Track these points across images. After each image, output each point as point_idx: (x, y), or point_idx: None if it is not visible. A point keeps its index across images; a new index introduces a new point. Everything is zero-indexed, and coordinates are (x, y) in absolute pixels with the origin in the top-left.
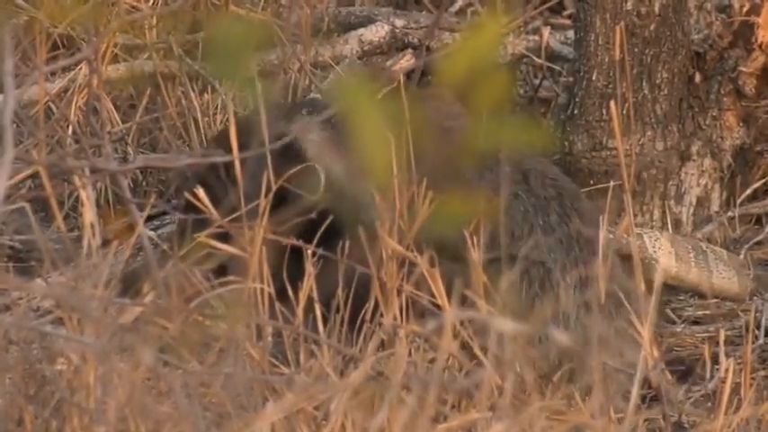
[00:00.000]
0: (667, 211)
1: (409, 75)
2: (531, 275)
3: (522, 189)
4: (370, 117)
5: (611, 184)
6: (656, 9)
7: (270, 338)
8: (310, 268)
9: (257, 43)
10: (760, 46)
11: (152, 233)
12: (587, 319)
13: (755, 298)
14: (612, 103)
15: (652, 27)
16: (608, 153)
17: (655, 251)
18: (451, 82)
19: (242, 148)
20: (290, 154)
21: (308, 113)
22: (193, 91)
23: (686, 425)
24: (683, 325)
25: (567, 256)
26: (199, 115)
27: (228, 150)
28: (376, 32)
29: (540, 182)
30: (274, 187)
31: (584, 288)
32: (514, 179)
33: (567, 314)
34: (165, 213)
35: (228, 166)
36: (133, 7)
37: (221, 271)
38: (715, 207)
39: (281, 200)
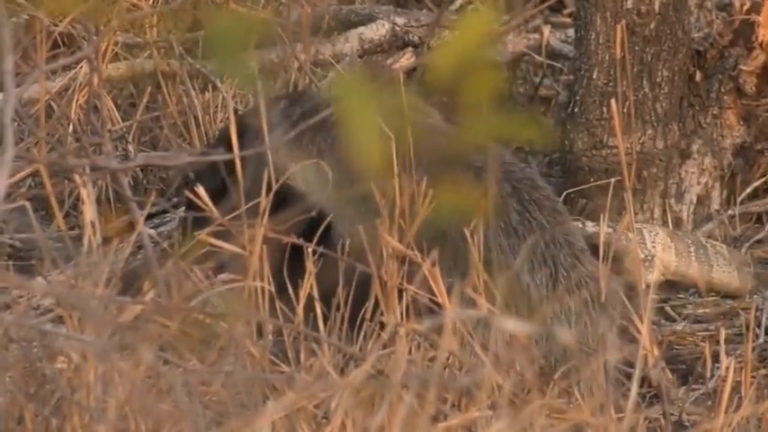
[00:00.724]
0: (668, 209)
1: (410, 73)
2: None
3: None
4: (367, 114)
5: (612, 181)
6: (657, 7)
7: (270, 337)
8: (310, 266)
9: (257, 40)
10: (760, 44)
11: (152, 231)
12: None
13: (756, 296)
14: (613, 102)
15: (652, 25)
16: (608, 151)
17: (654, 246)
18: (442, 78)
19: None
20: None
21: (286, 106)
22: (194, 89)
23: (687, 423)
24: (683, 323)
25: (534, 254)
26: (200, 113)
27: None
28: (377, 31)
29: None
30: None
31: (555, 285)
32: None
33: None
34: (165, 212)
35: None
36: (134, 5)
37: (221, 269)
38: (715, 205)
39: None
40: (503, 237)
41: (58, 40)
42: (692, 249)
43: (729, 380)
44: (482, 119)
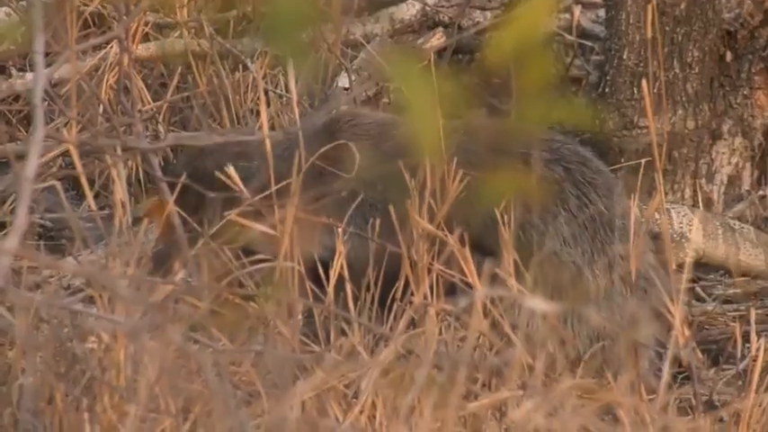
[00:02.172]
0: (698, 189)
1: (440, 53)
2: (562, 275)
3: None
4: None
5: (643, 162)
6: None
7: (300, 317)
8: (341, 247)
9: (311, 17)
10: None
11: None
12: (617, 300)
13: None
14: (644, 82)
15: (683, 6)
16: (639, 131)
17: (683, 227)
18: (498, 59)
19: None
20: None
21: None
22: (224, 69)
23: (717, 403)
24: (713, 303)
25: (593, 242)
26: (230, 94)
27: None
28: (407, 11)
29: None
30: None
31: (612, 271)
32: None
33: (598, 297)
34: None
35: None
36: None
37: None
38: (746, 186)
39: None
40: (564, 225)
41: (89, 19)
42: (719, 231)
43: (760, 360)
44: (538, 101)
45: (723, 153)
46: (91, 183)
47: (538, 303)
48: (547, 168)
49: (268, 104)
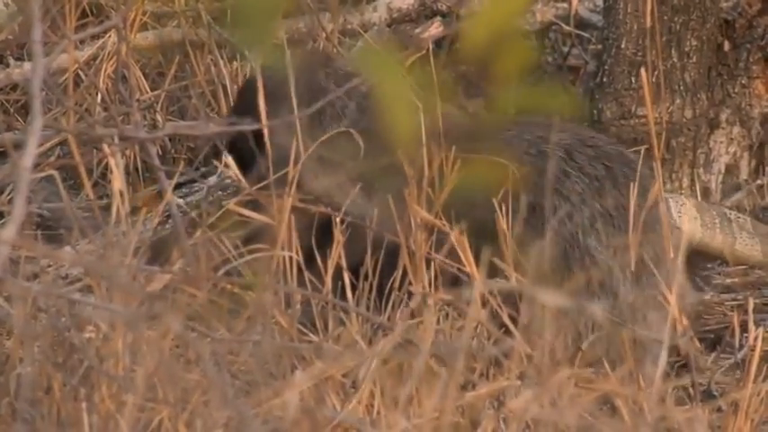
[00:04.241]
0: (696, 178)
1: (438, 42)
2: (571, 255)
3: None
4: (397, 85)
5: (641, 150)
6: None
7: (298, 306)
8: (339, 236)
9: (284, 11)
10: None
11: (180, 201)
12: (620, 288)
13: None
14: (642, 71)
15: None
16: (637, 121)
17: (680, 216)
18: (474, 48)
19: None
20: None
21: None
22: (222, 58)
23: (715, 393)
24: (711, 293)
25: (606, 228)
26: (227, 83)
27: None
28: (404, 0)
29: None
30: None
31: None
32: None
33: (604, 284)
34: (193, 181)
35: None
36: None
37: (250, 239)
38: (744, 175)
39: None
40: (600, 223)
41: (87, 9)
42: (717, 221)
43: (758, 349)
44: (514, 90)
45: (721, 142)
46: (89, 172)
47: (549, 297)
48: (590, 166)
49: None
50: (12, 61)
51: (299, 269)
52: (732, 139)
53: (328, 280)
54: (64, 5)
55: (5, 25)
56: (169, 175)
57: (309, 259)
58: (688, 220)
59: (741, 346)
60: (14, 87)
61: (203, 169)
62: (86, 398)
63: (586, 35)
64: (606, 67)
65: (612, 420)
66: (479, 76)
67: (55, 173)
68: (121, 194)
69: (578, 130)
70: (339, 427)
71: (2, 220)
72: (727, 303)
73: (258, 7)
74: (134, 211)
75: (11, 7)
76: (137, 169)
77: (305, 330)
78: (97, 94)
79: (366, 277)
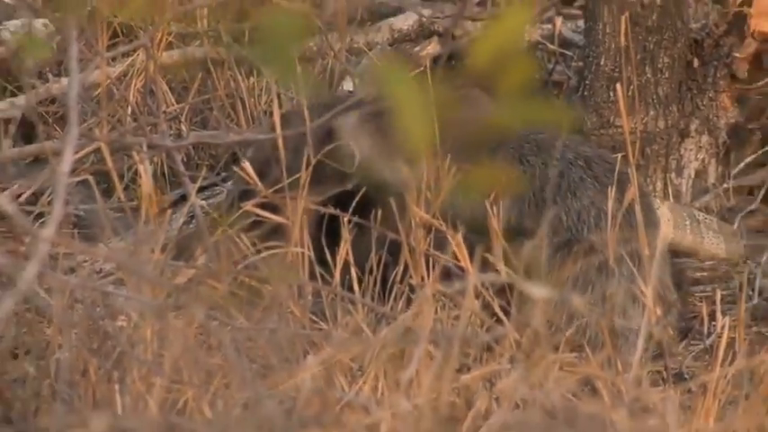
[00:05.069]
0: (668, 183)
1: (435, 60)
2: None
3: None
4: (406, 98)
5: (618, 157)
6: (658, 0)
7: (310, 298)
8: (346, 234)
9: (300, 32)
10: (752, 34)
11: (203, 203)
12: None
13: (749, 262)
14: (619, 86)
15: (654, 17)
16: (615, 130)
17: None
18: (479, 66)
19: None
20: (329, 139)
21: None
22: (240, 74)
23: (686, 376)
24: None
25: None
26: (245, 96)
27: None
28: (405, 21)
29: (568, 155)
30: (313, 161)
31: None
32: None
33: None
34: (215, 185)
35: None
36: None
37: (267, 237)
38: (711, 179)
39: (321, 174)
40: (603, 221)
41: (118, 29)
42: (687, 222)
43: (725, 337)
44: (518, 103)
45: (691, 150)
46: (120, 177)
47: (536, 290)
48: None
49: (280, 106)
50: (51, 77)
51: (311, 264)
52: (701, 147)
53: (337, 274)
54: (97, 26)
55: (45, 44)
56: (193, 180)
57: (320, 256)
58: (662, 220)
59: (709, 334)
60: (53, 100)
61: (224, 174)
62: (119, 380)
63: (569, 53)
64: (587, 83)
65: (593, 400)
66: (485, 91)
67: (90, 177)
68: (150, 197)
69: (586, 144)
70: (347, 406)
71: (42, 220)
72: (696, 295)
73: (275, 30)
74: (161, 212)
75: (49, 27)
76: (163, 174)
77: (316, 319)
78: (127, 106)
79: (371, 272)
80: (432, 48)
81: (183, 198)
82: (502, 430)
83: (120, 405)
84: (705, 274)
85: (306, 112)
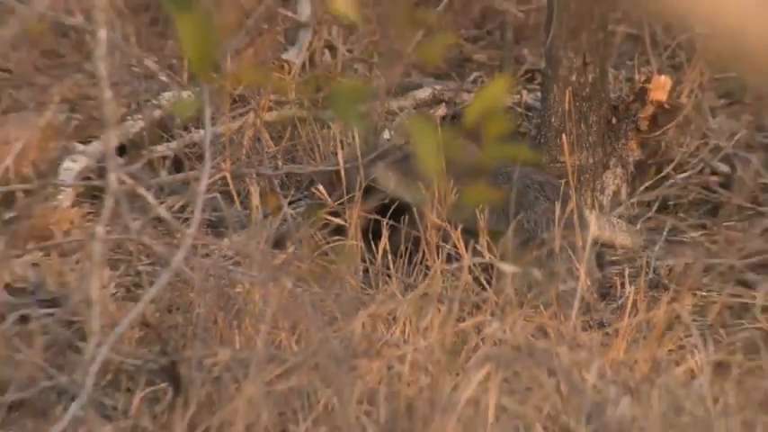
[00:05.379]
0: (595, 199)
1: (443, 119)
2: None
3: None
4: (425, 142)
5: (562, 182)
6: (590, 80)
7: (361, 273)
8: (385, 232)
9: (357, 98)
10: (651, 102)
11: (292, 211)
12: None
13: (647, 250)
14: (564, 136)
15: (587, 90)
16: (560, 165)
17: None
18: (470, 123)
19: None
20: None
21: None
22: (316, 127)
23: (605, 324)
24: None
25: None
26: (320, 142)
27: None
28: (424, 93)
29: (528, 181)
30: (363, 185)
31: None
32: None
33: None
34: (300, 200)
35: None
36: (281, 78)
37: (332, 233)
38: (623, 197)
39: (369, 194)
40: (551, 225)
41: (236, 98)
42: (606, 225)
43: (630, 299)
44: (496, 147)
45: (610, 177)
46: (238, 194)
47: (507, 268)
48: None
49: (342, 148)
50: (192, 129)
51: (361, 251)
52: (616, 175)
53: (379, 258)
54: (224, 95)
55: (190, 107)
56: (285, 196)
57: (368, 246)
58: (591, 224)
59: (621, 297)
60: (194, 144)
61: (306, 192)
62: (237, 327)
63: (531, 114)
64: (542, 134)
65: (545, 340)
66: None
67: (218, 195)
68: (257, 207)
69: (541, 173)
70: (385, 344)
71: (187, 223)
72: (612, 271)
73: (341, 96)
74: (265, 217)
75: (191, 96)
76: (267, 192)
77: (365, 287)
78: (242, 148)
79: (401, 256)
80: (441, 110)
81: (279, 208)
82: (485, 360)
83: (238, 343)
84: (618, 258)
85: (359, 154)
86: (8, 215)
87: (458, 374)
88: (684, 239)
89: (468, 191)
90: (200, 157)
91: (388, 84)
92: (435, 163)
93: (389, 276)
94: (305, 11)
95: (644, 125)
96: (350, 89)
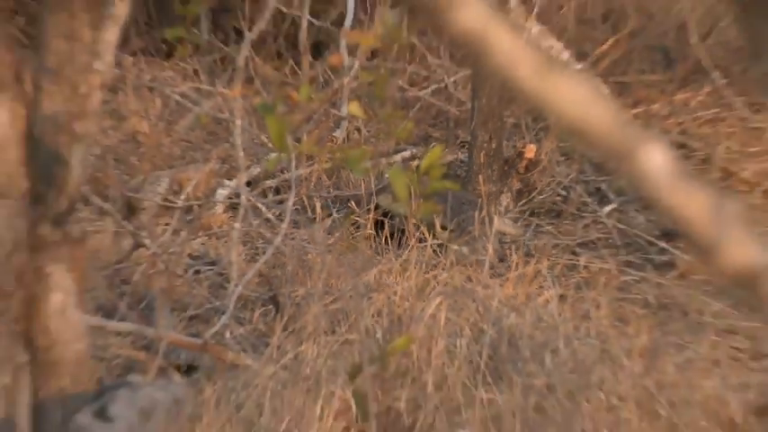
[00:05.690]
0: (496, 209)
1: (417, 167)
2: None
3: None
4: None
5: (479, 201)
6: (493, 146)
7: (372, 248)
8: (386, 228)
9: (361, 159)
10: (525, 158)
11: (336, 216)
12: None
13: (524, 236)
14: (481, 177)
15: (492, 152)
16: (478, 191)
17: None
18: (425, 168)
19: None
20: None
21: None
22: (350, 172)
23: (501, 275)
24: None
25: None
26: (352, 179)
27: None
28: (406, 153)
29: (461, 199)
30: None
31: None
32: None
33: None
34: (340, 210)
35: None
36: (331, 145)
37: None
38: (511, 208)
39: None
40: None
41: (308, 157)
42: (502, 223)
43: (515, 261)
44: (440, 181)
45: (504, 198)
46: (310, 207)
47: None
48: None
49: (363, 182)
50: (286, 172)
51: (372, 239)
52: (507, 197)
53: (383, 241)
54: (301, 156)
55: (274, 165)
56: (333, 208)
57: (376, 234)
58: (495, 221)
59: (510, 260)
60: (286, 180)
61: (344, 206)
62: (308, 276)
63: (463, 163)
64: (468, 175)
65: (471, 283)
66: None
67: (298, 207)
68: (319, 213)
69: (467, 195)
70: (386, 285)
71: (282, 220)
72: (506, 247)
73: (356, 157)
74: (323, 219)
75: (276, 158)
76: (323, 206)
77: (375, 255)
78: (311, 182)
79: (394, 238)
80: (415, 162)
81: (330, 215)
82: (439, 294)
83: (309, 284)
84: (508, 240)
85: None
86: (188, 218)
87: (424, 302)
88: (543, 230)
89: (425, 205)
90: (289, 187)
91: (387, 149)
92: (404, 194)
93: (389, 250)
94: (344, 110)
95: (522, 170)
96: (359, 152)
